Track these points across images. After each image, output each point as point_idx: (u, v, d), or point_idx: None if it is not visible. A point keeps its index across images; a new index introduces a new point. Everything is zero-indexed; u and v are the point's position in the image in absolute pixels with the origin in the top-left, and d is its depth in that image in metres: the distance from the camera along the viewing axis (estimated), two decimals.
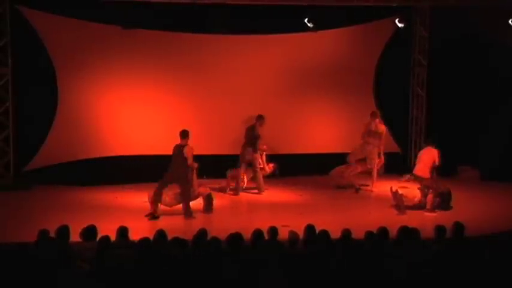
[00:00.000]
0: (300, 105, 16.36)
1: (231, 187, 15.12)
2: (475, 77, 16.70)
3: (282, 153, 16.15)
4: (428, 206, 13.36)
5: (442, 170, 16.36)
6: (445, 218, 10.90)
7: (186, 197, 12.73)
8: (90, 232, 8.73)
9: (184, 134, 12.80)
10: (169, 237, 8.59)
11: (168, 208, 13.02)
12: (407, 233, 8.88)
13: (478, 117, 16.86)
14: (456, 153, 16.75)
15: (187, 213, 12.67)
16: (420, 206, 13.47)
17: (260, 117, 14.95)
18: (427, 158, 13.57)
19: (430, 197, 13.43)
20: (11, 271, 7.37)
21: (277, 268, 7.72)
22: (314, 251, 8.28)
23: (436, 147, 13.59)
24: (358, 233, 9.04)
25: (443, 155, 16.33)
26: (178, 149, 12.81)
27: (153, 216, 12.58)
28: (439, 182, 13.63)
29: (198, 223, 11.01)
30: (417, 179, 13.71)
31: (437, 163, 13.48)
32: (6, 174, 14.94)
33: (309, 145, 15.29)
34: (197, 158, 14.91)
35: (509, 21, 15.04)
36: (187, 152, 12.67)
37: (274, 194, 15.17)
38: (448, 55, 16.58)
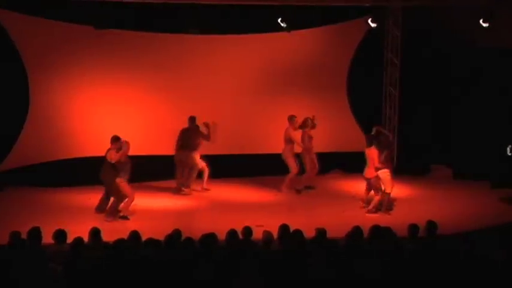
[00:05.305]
0: (272, 105, 16.25)
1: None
2: (446, 76, 16.72)
3: (256, 152, 16.13)
4: (370, 207, 13.44)
5: (414, 169, 16.59)
6: (418, 216, 10.86)
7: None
8: (60, 235, 8.69)
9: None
10: (143, 238, 8.57)
11: (140, 209, 13.13)
12: (380, 232, 8.92)
13: (451, 116, 16.88)
14: (429, 152, 16.89)
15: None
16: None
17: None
18: (369, 158, 13.49)
19: (376, 198, 13.46)
20: None
21: (253, 268, 7.74)
22: (288, 250, 8.32)
23: (376, 148, 13.43)
24: (332, 232, 9.09)
25: (416, 154, 16.51)
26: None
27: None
28: (387, 183, 13.49)
29: (171, 224, 10.94)
30: (365, 179, 13.72)
31: (376, 164, 13.35)
32: None
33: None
34: (169, 158, 14.95)
35: (480, 21, 15.07)
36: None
37: (248, 194, 15.16)
38: (420, 54, 16.63)
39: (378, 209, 13.42)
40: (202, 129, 14.88)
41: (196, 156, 14.98)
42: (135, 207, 13.19)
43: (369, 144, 13.55)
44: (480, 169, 15.91)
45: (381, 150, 13.40)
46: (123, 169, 12.83)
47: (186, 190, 14.89)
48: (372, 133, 13.86)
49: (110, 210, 12.79)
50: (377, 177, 13.41)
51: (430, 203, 14.26)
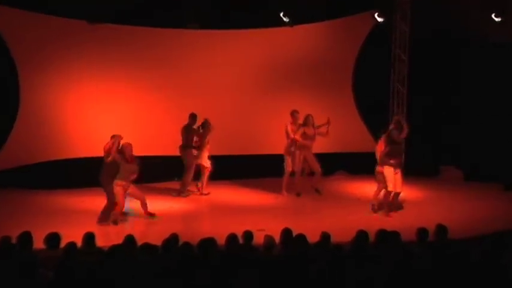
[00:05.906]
0: (274, 102, 16.16)
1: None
2: (457, 73, 16.60)
3: (256, 153, 16.00)
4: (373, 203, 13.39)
5: (423, 170, 16.27)
6: (427, 220, 10.78)
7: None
8: (53, 240, 8.46)
9: None
10: (139, 242, 8.43)
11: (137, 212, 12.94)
12: (386, 236, 8.76)
13: (462, 114, 16.73)
14: (438, 152, 16.84)
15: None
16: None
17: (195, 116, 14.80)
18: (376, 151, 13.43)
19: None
20: None
21: (253, 275, 7.52)
22: (291, 255, 8.13)
23: (384, 140, 13.29)
24: (337, 237, 8.94)
25: (425, 154, 16.21)
26: None
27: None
28: (389, 181, 13.17)
29: (169, 228, 10.68)
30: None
31: (379, 156, 13.22)
32: None
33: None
34: (168, 159, 14.65)
35: (492, 15, 14.80)
36: None
37: (249, 197, 15.02)
38: (429, 50, 16.49)
39: (381, 206, 13.29)
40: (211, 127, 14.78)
41: (203, 156, 14.77)
42: None
43: (379, 136, 13.51)
44: (492, 170, 15.75)
45: (387, 143, 13.23)
46: (123, 172, 12.35)
47: (182, 194, 14.74)
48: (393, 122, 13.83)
49: (102, 216, 12.45)
50: (381, 171, 13.24)
51: (440, 205, 14.09)
